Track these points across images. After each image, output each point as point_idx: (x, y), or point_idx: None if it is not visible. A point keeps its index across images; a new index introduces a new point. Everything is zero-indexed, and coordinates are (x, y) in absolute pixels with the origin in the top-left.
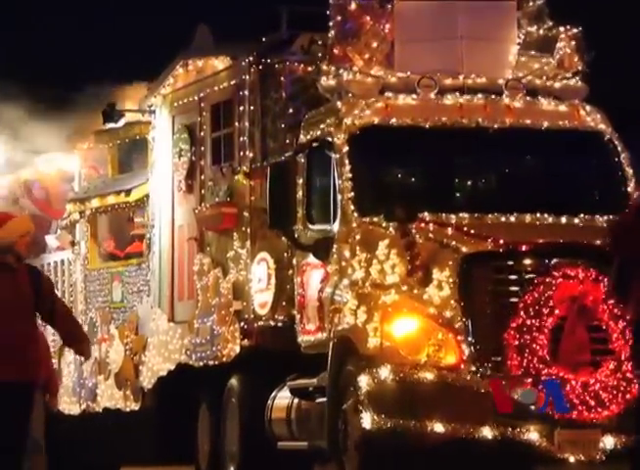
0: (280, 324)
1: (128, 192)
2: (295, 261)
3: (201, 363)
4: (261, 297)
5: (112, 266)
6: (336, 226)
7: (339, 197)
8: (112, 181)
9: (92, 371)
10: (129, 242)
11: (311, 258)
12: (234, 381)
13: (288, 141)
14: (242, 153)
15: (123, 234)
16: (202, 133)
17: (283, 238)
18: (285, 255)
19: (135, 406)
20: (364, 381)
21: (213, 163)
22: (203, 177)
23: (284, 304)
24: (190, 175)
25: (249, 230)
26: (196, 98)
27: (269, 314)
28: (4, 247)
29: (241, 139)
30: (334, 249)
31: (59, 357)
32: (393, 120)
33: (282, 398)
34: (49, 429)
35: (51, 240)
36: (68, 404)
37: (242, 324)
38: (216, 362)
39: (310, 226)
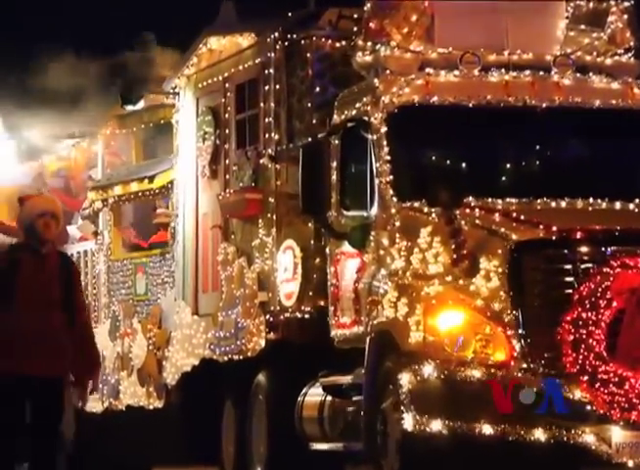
0: (307, 316)
1: (152, 178)
2: (327, 250)
3: (225, 358)
4: (287, 287)
5: (135, 257)
6: (373, 212)
7: (376, 181)
8: (135, 168)
9: (115, 367)
10: (154, 231)
11: (346, 247)
12: (261, 377)
13: (315, 121)
14: (267, 135)
15: (147, 223)
16: (226, 115)
17: (310, 225)
18: (311, 242)
19: (158, 404)
20: (405, 378)
21: (238, 146)
22: (227, 162)
23: (311, 294)
24: (214, 160)
25: (274, 217)
26: (220, 78)
27: (295, 306)
28: (25, 228)
29: (266, 120)
30: (371, 236)
31: None
32: (435, 99)
33: (313, 395)
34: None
35: (73, 230)
36: (91, 402)
37: (267, 316)
38: (241, 357)
39: (345, 213)
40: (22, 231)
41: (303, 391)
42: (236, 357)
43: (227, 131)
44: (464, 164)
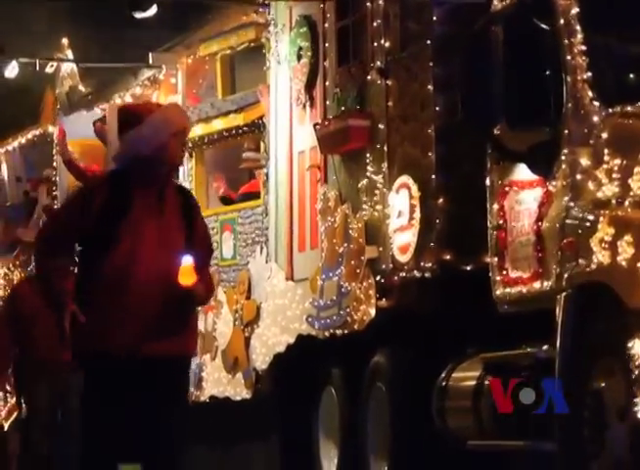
0: (428, 275)
1: (239, 112)
2: (488, 181)
3: (326, 334)
4: (402, 238)
5: (221, 213)
6: (563, 124)
7: (566, 81)
8: (221, 103)
9: (197, 349)
10: (244, 180)
11: (519, 174)
12: (380, 358)
13: (435, 18)
14: (375, 43)
15: (236, 170)
16: (325, 24)
17: (430, 154)
18: (432, 177)
19: (247, 394)
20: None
21: (340, 62)
22: (327, 83)
23: (432, 245)
24: (311, 82)
25: (385, 148)
26: None
27: (413, 262)
28: (151, 151)
29: (374, 24)
30: (562, 156)
31: None
32: None
33: (460, 378)
34: None
35: None
36: None
37: (378, 278)
38: (345, 331)
39: (515, 127)
40: (140, 153)
41: (444, 374)
42: (339, 332)
43: (326, 44)
44: None
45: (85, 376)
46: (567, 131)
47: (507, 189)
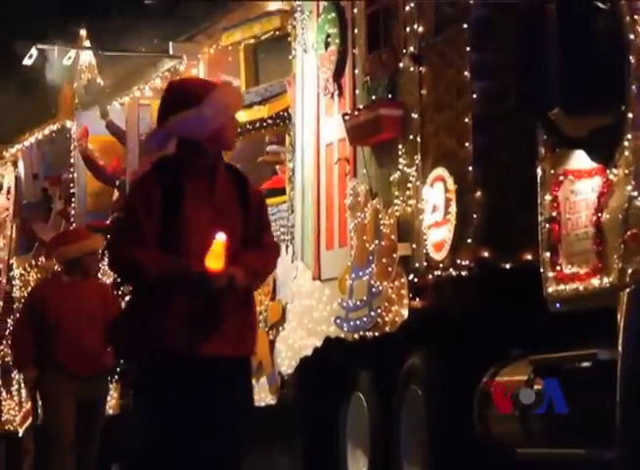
0: (464, 273)
1: (263, 104)
2: (539, 170)
3: (355, 336)
4: (437, 234)
5: None
6: (625, 108)
7: (629, 61)
8: (244, 95)
9: None
10: (269, 175)
11: (575, 163)
12: (416, 359)
13: (472, 0)
14: (407, 28)
15: (259, 165)
16: (354, 10)
17: (467, 145)
18: (469, 169)
19: (271, 400)
20: None
21: (370, 49)
22: (356, 71)
23: (469, 242)
24: (339, 71)
25: (418, 138)
26: None
27: (448, 260)
28: (209, 133)
29: (406, 8)
30: (625, 142)
31: None
32: None
33: (502, 383)
34: None
35: None
36: None
37: (410, 277)
38: (376, 333)
39: (572, 112)
40: (194, 137)
41: (486, 378)
42: (369, 334)
43: (356, 31)
44: None
45: (142, 375)
46: (630, 115)
47: (561, 178)
